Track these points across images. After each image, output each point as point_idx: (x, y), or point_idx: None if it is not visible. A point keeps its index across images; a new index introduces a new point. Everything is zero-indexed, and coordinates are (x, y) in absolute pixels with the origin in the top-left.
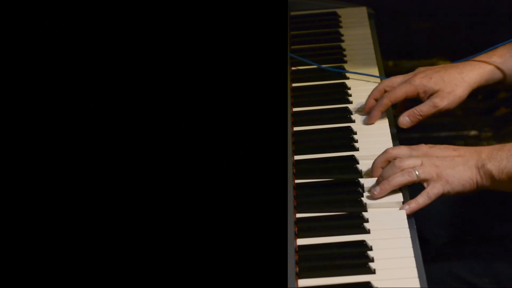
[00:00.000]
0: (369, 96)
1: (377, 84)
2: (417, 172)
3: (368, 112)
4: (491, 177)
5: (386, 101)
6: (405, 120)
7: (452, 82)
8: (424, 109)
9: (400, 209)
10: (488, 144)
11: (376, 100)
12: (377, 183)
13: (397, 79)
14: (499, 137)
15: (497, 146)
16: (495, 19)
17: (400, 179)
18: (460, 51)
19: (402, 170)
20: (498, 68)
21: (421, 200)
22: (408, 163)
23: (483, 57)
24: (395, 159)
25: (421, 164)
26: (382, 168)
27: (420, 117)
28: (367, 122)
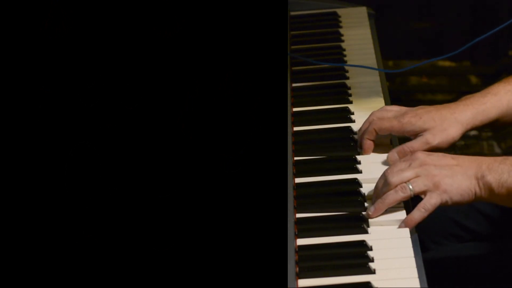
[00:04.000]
0: (361, 128)
1: (376, 83)
2: (410, 187)
3: (360, 142)
4: (490, 189)
5: (371, 130)
6: (393, 156)
7: (445, 122)
8: (415, 145)
9: (398, 227)
10: (488, 144)
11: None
12: (374, 201)
13: (388, 113)
14: (499, 137)
15: (498, 158)
16: (495, 19)
17: (394, 196)
18: (460, 51)
19: (395, 185)
20: (493, 108)
21: (417, 214)
22: (401, 177)
23: (476, 96)
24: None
25: (416, 176)
26: None
27: (410, 154)
28: (362, 153)
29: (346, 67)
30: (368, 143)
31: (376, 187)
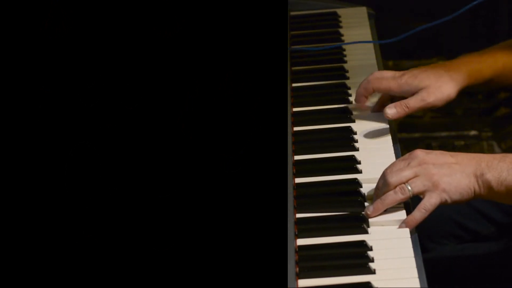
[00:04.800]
0: (359, 86)
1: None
2: (409, 187)
3: (357, 102)
4: (489, 187)
5: (369, 87)
6: (391, 110)
7: (440, 80)
8: (411, 102)
9: (398, 227)
10: (488, 144)
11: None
12: (374, 200)
13: (387, 74)
14: (499, 137)
15: (497, 156)
16: (495, 19)
17: (393, 197)
18: (460, 51)
19: (394, 186)
20: (488, 68)
21: (418, 214)
22: (400, 177)
23: (473, 55)
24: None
25: (415, 176)
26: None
27: (407, 109)
28: (355, 106)
29: (346, 67)
30: (362, 100)
31: (376, 187)
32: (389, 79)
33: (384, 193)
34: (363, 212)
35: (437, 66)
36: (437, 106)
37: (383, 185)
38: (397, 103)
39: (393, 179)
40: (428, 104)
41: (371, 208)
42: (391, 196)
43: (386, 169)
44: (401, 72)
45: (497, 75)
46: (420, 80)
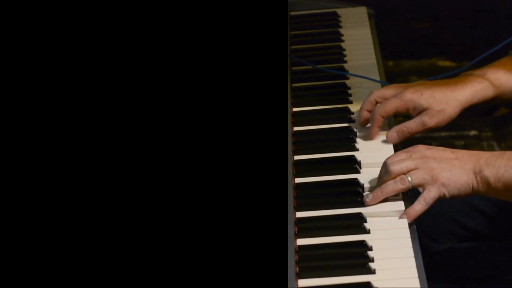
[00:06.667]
0: (362, 107)
1: (377, 85)
2: (409, 178)
3: (363, 124)
4: (487, 183)
5: (378, 117)
6: (392, 136)
7: (443, 100)
8: (413, 126)
9: (399, 218)
10: (488, 144)
11: (368, 111)
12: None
13: (388, 91)
14: (499, 137)
15: (496, 153)
16: (495, 19)
17: (393, 186)
18: (460, 51)
19: (395, 175)
20: (491, 86)
21: (418, 206)
22: (401, 167)
23: (476, 74)
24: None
25: (415, 168)
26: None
27: (408, 134)
28: (369, 138)
29: (346, 67)
30: (376, 131)
31: (378, 176)
32: (393, 99)
33: (385, 182)
34: (363, 212)
35: (442, 84)
36: (439, 127)
37: (384, 173)
38: (398, 128)
39: (394, 167)
40: (429, 128)
41: (370, 196)
42: (391, 185)
43: (388, 159)
44: (403, 86)
45: (500, 94)
46: (425, 99)
